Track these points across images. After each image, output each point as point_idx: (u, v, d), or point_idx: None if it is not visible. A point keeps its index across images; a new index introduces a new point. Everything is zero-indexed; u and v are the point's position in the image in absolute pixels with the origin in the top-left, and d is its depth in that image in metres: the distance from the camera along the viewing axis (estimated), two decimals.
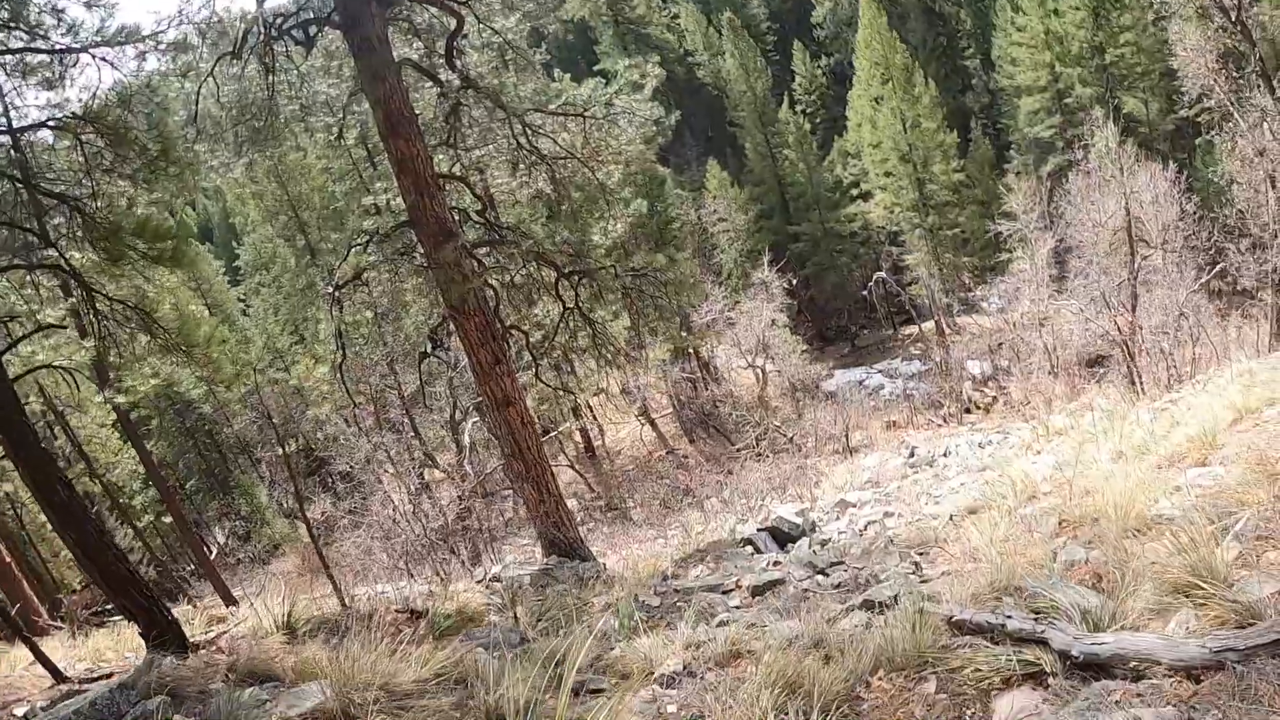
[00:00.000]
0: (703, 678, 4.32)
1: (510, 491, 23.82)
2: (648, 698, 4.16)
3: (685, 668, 4.49)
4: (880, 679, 3.95)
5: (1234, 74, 18.05)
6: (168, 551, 30.83)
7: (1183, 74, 19.99)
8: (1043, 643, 3.78)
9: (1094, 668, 3.61)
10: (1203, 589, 4.01)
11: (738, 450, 30.90)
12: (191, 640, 6.23)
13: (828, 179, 46.59)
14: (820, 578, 8.58)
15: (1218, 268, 21.73)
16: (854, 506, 17.37)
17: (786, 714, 3.58)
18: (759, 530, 13.81)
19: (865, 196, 45.59)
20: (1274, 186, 18.76)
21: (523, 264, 13.69)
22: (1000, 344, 31.21)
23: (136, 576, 6.32)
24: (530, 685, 4.44)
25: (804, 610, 6.38)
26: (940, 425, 31.83)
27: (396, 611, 6.86)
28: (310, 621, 6.29)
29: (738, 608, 8.09)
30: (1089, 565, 4.89)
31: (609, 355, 15.81)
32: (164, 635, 5.98)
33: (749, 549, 12.74)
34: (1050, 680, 3.66)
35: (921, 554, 8.50)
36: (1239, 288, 25.96)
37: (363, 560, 14.54)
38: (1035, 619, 3.91)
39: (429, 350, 15.53)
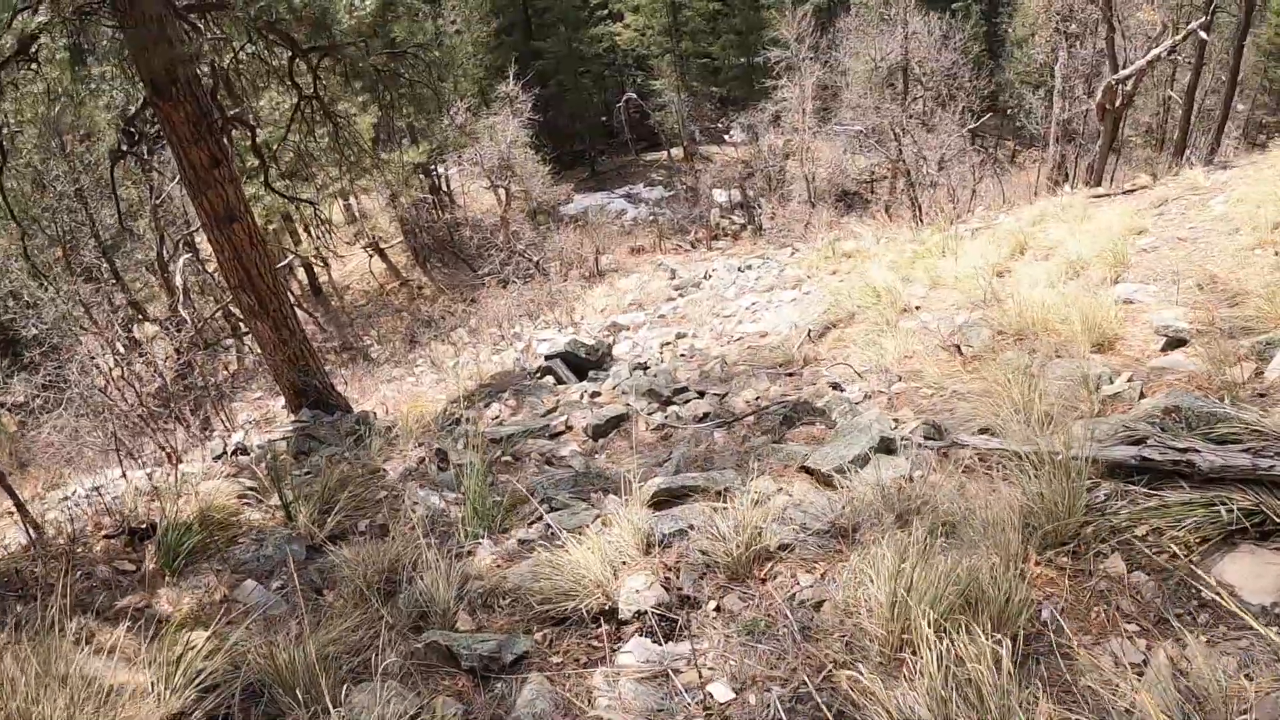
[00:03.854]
0: (720, 606, 2.51)
1: (232, 341, 20.02)
2: (643, 669, 2.26)
3: (672, 589, 2.64)
4: (1037, 562, 2.40)
5: None
6: None
7: None
8: (1271, 484, 2.43)
9: None
10: None
11: (482, 277, 28.63)
12: None
13: None
14: (676, 409, 7.08)
15: (987, 114, 22.52)
16: (628, 329, 16.29)
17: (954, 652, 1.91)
18: (549, 356, 12.09)
19: (615, 17, 42.74)
20: (1070, 47, 19.27)
21: (249, 38, 10.26)
22: (751, 173, 31.05)
23: None
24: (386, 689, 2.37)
25: (724, 453, 4.79)
26: (689, 250, 31.68)
27: (107, 536, 4.27)
28: None
29: (581, 455, 6.39)
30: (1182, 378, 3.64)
31: (353, 157, 12.76)
32: None
33: (549, 379, 11.01)
34: None
35: (790, 374, 7.26)
36: (976, 142, 27.56)
37: (71, 446, 10.94)
38: (1249, 451, 2.52)
39: (124, 148, 11.56)
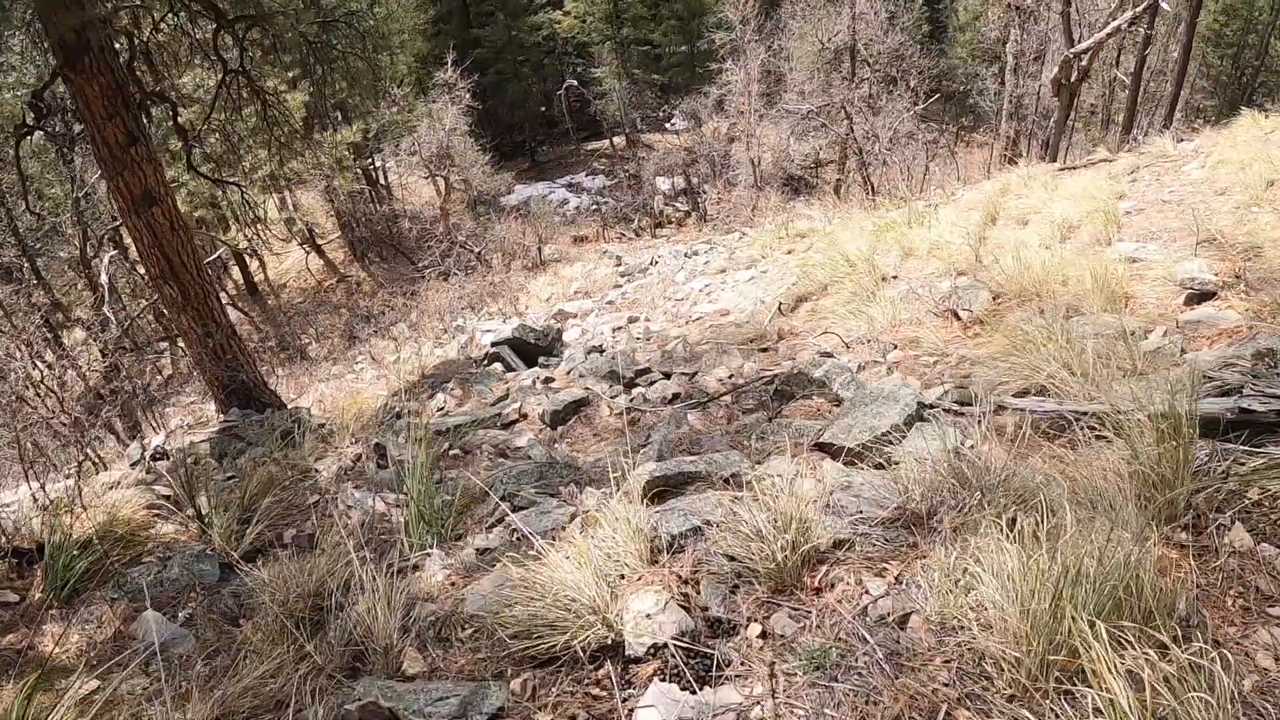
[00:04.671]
0: (766, 630, 1.92)
1: (166, 343, 18.82)
2: None
3: (695, 610, 2.03)
4: (1156, 542, 1.92)
5: None
6: None
7: None
8: None
9: None
10: None
11: (422, 270, 27.70)
12: None
13: None
14: (642, 391, 6.53)
15: (934, 96, 22.42)
16: (576, 317, 15.75)
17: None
18: (496, 343, 11.43)
19: (555, 4, 41.87)
20: (1022, 24, 19.14)
21: (171, 7, 9.48)
22: (694, 160, 30.62)
23: None
24: None
25: (709, 434, 4.23)
26: (633, 239, 31.13)
27: None
28: None
29: (541, 445, 5.80)
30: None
31: (283, 137, 11.92)
32: None
33: (497, 366, 10.37)
34: None
35: (765, 350, 6.77)
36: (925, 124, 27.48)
37: None
38: None
39: (32, 122, 10.66)
